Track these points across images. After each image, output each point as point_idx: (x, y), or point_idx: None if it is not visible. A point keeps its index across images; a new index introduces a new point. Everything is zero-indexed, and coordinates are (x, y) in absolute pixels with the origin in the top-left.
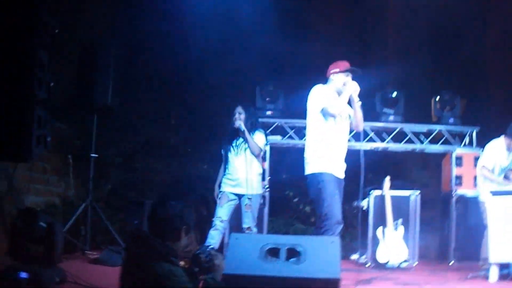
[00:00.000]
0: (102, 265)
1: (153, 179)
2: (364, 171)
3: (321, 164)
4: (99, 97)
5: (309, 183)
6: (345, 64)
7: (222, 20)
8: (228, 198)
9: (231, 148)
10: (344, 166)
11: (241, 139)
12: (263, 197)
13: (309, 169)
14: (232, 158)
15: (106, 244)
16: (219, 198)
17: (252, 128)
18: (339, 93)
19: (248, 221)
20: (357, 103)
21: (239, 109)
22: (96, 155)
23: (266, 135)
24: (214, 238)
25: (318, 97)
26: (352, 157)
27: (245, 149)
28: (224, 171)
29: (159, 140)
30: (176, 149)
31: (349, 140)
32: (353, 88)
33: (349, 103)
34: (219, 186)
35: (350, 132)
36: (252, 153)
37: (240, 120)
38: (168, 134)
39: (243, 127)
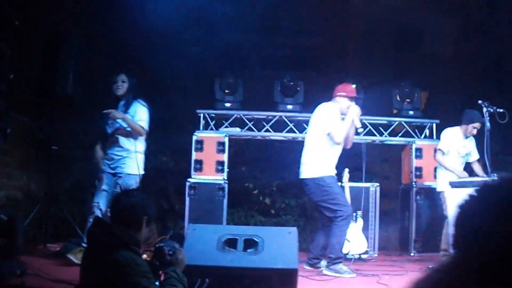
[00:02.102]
0: (63, 258)
1: None
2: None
3: (324, 169)
4: (61, 89)
5: (313, 185)
6: (352, 90)
7: (183, 12)
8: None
9: (106, 125)
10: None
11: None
12: (222, 189)
13: (311, 173)
14: (108, 135)
15: (68, 237)
16: (98, 179)
17: (133, 101)
18: (342, 113)
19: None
20: (358, 126)
21: (123, 76)
22: (57, 148)
23: (148, 108)
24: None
25: (328, 119)
26: None
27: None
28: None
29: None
30: None
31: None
32: (356, 112)
33: None
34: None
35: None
36: (134, 137)
37: (122, 89)
38: None
39: (123, 124)
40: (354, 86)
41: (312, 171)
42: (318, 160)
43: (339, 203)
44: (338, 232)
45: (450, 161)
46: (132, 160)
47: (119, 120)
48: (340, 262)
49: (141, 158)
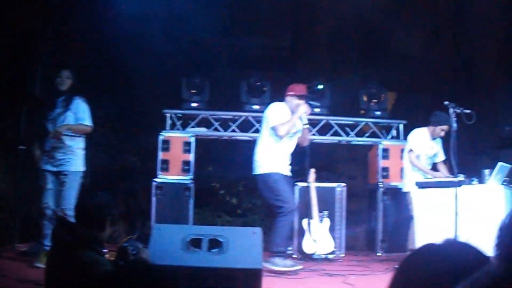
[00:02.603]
0: (30, 257)
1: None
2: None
3: (270, 166)
4: (29, 90)
5: (260, 182)
6: (301, 89)
7: (151, 12)
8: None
9: (47, 122)
10: (289, 166)
11: (60, 110)
12: (188, 188)
13: (259, 170)
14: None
15: (36, 237)
16: (40, 179)
17: (74, 97)
18: (292, 112)
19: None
20: (305, 125)
21: (67, 73)
22: (25, 147)
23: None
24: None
25: (273, 114)
26: None
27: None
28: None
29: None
30: (105, 140)
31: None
32: (303, 111)
33: None
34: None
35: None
36: (79, 134)
37: (65, 84)
38: (96, 126)
39: (61, 131)
40: (304, 85)
41: (259, 167)
42: (265, 156)
43: (283, 199)
44: (278, 227)
45: (420, 162)
46: (76, 157)
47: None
48: (280, 256)
49: (83, 154)
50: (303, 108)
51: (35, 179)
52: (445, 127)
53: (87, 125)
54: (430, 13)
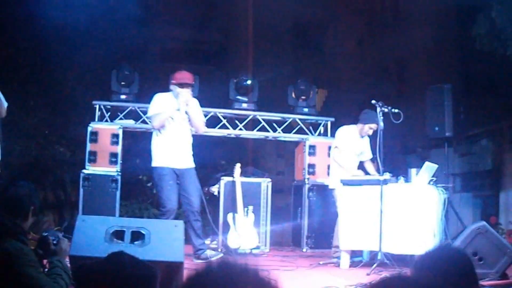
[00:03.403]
0: None
1: (11, 162)
2: None
3: (158, 159)
4: None
5: (151, 174)
6: (181, 76)
7: (80, 3)
8: None
9: None
10: (185, 157)
11: None
12: (115, 180)
13: (152, 163)
14: None
15: None
16: None
17: None
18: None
19: None
20: (185, 114)
21: None
22: None
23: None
24: None
25: (152, 104)
26: (204, 144)
27: None
28: None
29: (17, 121)
30: (34, 130)
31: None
32: (183, 99)
33: None
34: None
35: None
36: None
37: None
38: (25, 116)
39: None
40: (189, 73)
41: (152, 160)
42: (153, 149)
43: (162, 198)
44: None
45: (346, 159)
46: None
47: None
48: None
49: None
50: (183, 96)
51: None
52: (373, 125)
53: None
54: (364, 12)
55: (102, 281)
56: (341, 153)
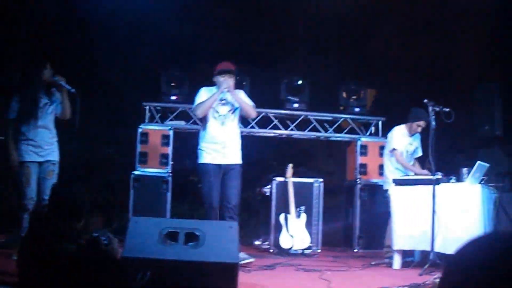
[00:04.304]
0: (7, 249)
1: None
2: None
3: (202, 155)
4: (4, 79)
5: (197, 171)
6: (221, 66)
7: (128, 5)
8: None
9: (37, 110)
10: (231, 152)
11: (46, 101)
12: (166, 181)
13: (198, 159)
14: (35, 121)
15: (13, 228)
16: (23, 174)
17: (54, 89)
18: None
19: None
20: (227, 100)
21: (49, 64)
22: (2, 138)
23: None
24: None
25: (196, 97)
26: (256, 144)
27: (50, 112)
28: (25, 135)
29: (64, 123)
30: (81, 132)
31: (252, 127)
32: (224, 86)
33: None
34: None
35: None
36: (64, 116)
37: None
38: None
39: (69, 86)
40: (229, 62)
41: (198, 156)
42: (199, 145)
43: (203, 196)
44: None
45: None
46: (57, 146)
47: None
48: None
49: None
50: (224, 84)
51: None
52: (421, 122)
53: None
54: (410, 10)
55: None
56: (400, 153)
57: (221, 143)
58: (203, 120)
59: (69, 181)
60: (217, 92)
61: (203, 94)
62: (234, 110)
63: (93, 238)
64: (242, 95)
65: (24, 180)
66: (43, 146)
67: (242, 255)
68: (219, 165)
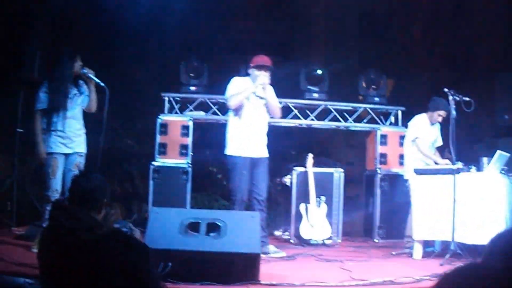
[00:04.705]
0: (27, 241)
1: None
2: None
3: (233, 147)
4: (26, 71)
5: (225, 162)
6: (259, 60)
7: None
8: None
9: (66, 101)
10: (261, 146)
11: (74, 92)
12: (186, 172)
13: (226, 150)
14: (64, 113)
15: (33, 220)
16: (50, 165)
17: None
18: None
19: None
20: (264, 95)
21: (79, 57)
22: (22, 131)
23: None
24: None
25: (229, 87)
26: (275, 134)
27: (79, 104)
28: (53, 127)
29: (86, 115)
30: (103, 123)
31: (272, 117)
32: (260, 81)
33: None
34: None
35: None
36: (91, 110)
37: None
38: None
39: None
40: (267, 57)
41: (226, 147)
42: (228, 136)
43: (233, 188)
44: None
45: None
46: (84, 138)
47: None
48: None
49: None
50: (261, 79)
51: (31, 162)
52: (442, 112)
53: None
54: (427, 2)
55: None
56: (422, 143)
57: (253, 136)
58: (234, 111)
59: (89, 172)
60: (253, 86)
61: (237, 84)
62: (265, 105)
63: (114, 230)
64: (272, 93)
65: (50, 171)
66: (72, 138)
67: (272, 247)
68: (249, 158)
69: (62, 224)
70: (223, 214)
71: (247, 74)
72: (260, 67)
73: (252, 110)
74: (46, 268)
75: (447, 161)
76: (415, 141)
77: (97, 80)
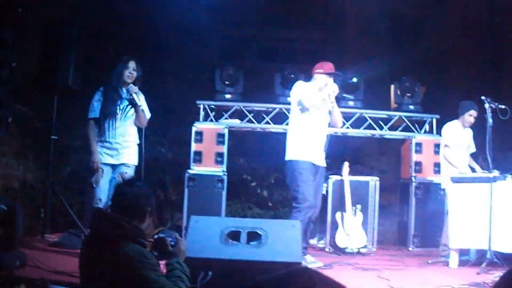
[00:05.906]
0: (61, 248)
1: None
2: None
3: (298, 152)
4: (61, 79)
5: (287, 168)
6: (330, 67)
7: (184, 3)
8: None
9: (116, 111)
10: (322, 154)
11: (126, 102)
12: (221, 180)
13: (288, 156)
14: (113, 123)
15: (66, 227)
16: (96, 176)
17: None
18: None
19: None
20: (332, 104)
21: (134, 64)
22: (56, 138)
23: None
24: None
25: (298, 90)
26: None
27: (131, 115)
28: (101, 136)
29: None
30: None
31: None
32: (332, 89)
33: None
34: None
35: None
36: (140, 124)
37: (132, 77)
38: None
39: (138, 102)
40: (332, 64)
41: (289, 153)
42: (293, 141)
43: (301, 193)
44: None
45: (457, 156)
46: (134, 150)
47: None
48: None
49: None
50: (332, 87)
51: (65, 169)
52: (472, 112)
53: (148, 118)
54: (462, 6)
55: None
56: (451, 150)
57: (319, 143)
58: (300, 116)
59: (132, 180)
60: (325, 92)
61: (305, 87)
62: (329, 113)
63: (159, 239)
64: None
65: (94, 180)
66: (119, 149)
67: (309, 257)
68: (314, 165)
69: (104, 232)
70: (263, 223)
71: (307, 80)
72: (331, 74)
73: (317, 116)
74: (86, 277)
75: (468, 169)
76: (444, 149)
77: (141, 107)
